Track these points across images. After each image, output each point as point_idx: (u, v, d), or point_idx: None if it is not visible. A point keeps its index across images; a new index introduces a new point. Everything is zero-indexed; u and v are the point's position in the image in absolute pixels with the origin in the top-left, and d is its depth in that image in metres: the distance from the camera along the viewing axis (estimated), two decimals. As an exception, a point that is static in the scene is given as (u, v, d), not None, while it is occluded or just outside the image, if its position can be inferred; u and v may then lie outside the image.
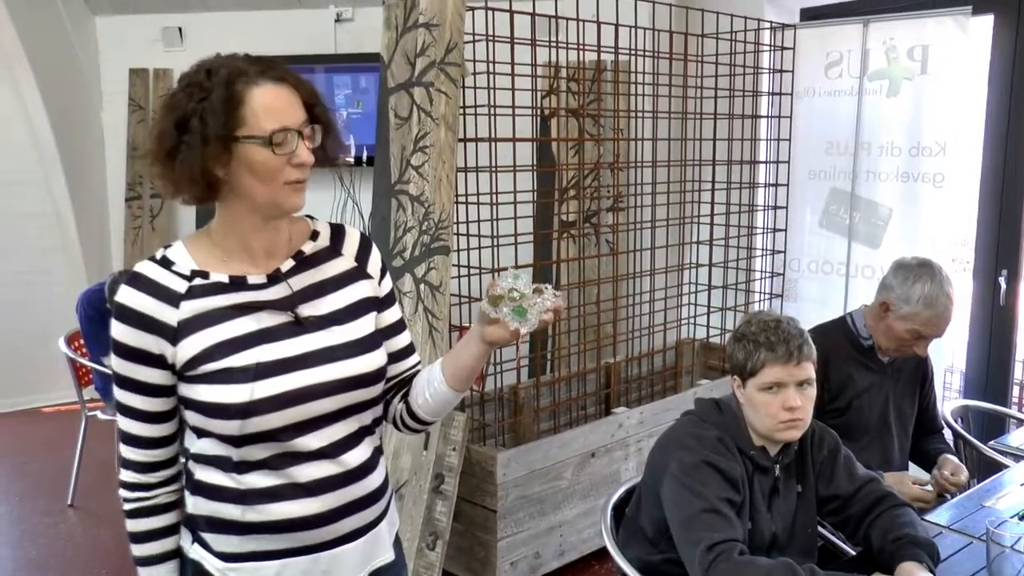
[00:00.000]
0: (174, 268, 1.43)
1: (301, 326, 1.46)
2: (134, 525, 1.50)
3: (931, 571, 1.85)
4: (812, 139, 4.30)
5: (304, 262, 1.51)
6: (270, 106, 1.38)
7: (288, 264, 1.49)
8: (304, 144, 1.41)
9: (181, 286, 1.41)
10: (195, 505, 1.48)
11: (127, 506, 1.50)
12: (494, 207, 3.31)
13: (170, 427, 1.47)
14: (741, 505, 1.96)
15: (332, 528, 1.48)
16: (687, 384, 4.14)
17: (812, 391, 1.99)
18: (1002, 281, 4.02)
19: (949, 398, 4.96)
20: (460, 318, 3.45)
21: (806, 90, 4.30)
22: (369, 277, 1.57)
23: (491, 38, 3.15)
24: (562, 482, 3.28)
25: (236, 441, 1.41)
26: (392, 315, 1.60)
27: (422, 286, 3.07)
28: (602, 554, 3.38)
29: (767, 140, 4.37)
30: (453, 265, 3.32)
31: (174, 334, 1.40)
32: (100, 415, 4.20)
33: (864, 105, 4.13)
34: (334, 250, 1.56)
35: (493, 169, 3.24)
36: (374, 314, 1.55)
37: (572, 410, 3.80)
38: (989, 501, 2.41)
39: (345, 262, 1.56)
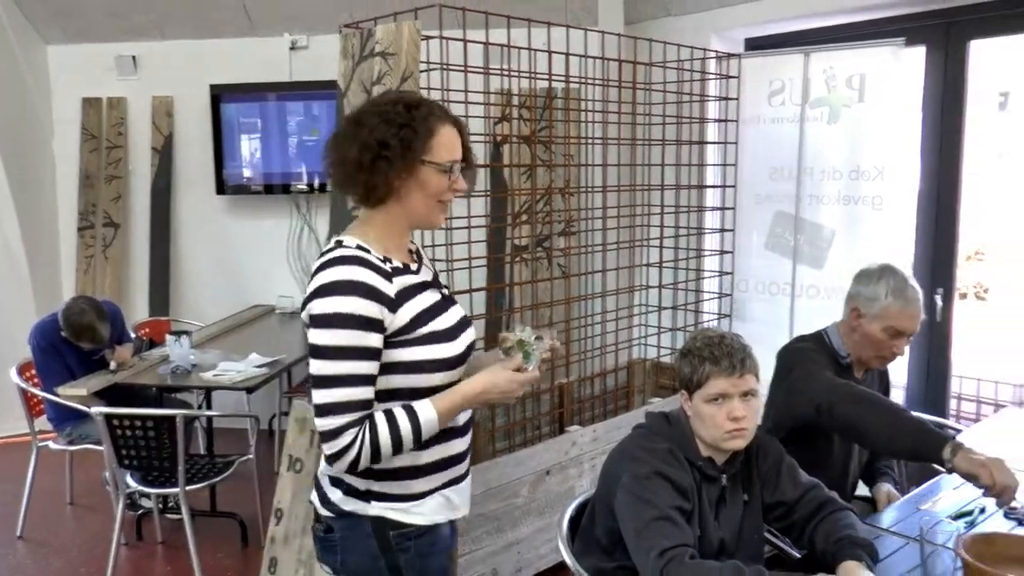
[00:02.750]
0: (373, 252, 1.76)
1: (448, 300, 1.90)
2: (384, 446, 1.70)
3: (870, 569, 1.94)
4: (757, 164, 4.44)
5: (418, 254, 1.92)
6: (450, 143, 1.78)
7: (414, 259, 1.88)
8: (461, 177, 1.81)
9: (387, 266, 1.76)
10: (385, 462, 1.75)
11: (356, 455, 1.68)
12: (448, 232, 3.37)
13: (373, 391, 1.72)
14: (691, 513, 2.03)
15: (466, 462, 1.93)
16: (639, 403, 4.23)
17: (756, 402, 2.08)
18: (938, 299, 4.17)
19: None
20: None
21: (751, 117, 4.44)
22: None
23: (445, 67, 3.23)
24: (518, 500, 3.33)
25: (428, 392, 1.76)
26: None
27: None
28: (558, 569, 3.44)
29: (714, 165, 4.50)
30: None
31: (393, 304, 1.72)
32: (52, 445, 4.18)
33: (806, 131, 4.28)
34: (420, 254, 1.95)
35: None
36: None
37: (527, 430, 3.87)
38: (925, 504, 2.52)
39: (427, 263, 1.96)
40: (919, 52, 4.18)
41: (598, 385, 4.17)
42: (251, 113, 5.64)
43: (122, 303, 5.27)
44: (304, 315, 1.73)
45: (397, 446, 1.71)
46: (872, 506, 2.85)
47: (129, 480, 3.71)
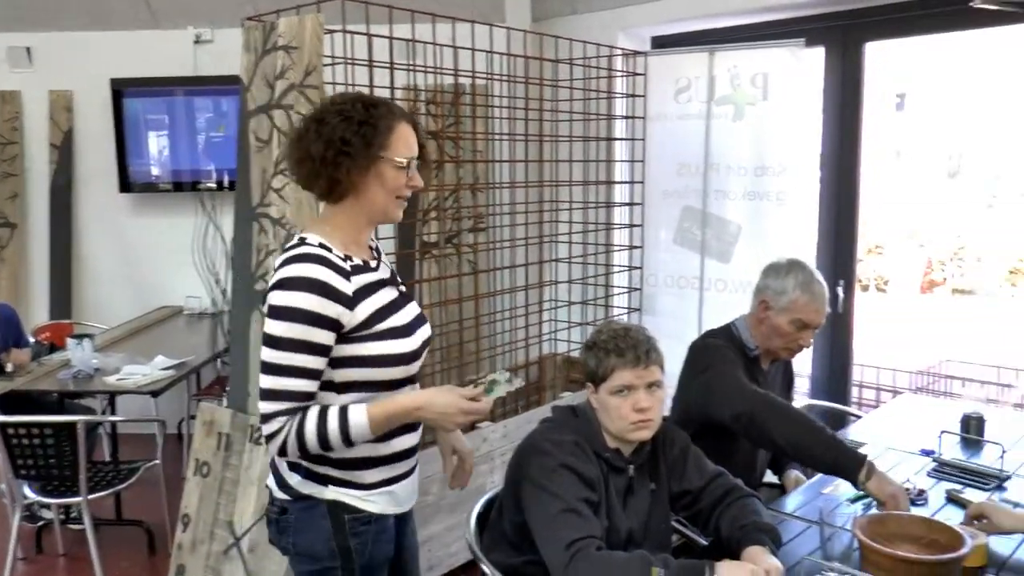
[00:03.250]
0: (334, 251, 1.83)
1: (405, 297, 1.99)
2: (310, 439, 1.78)
3: (774, 553, 1.99)
4: (665, 160, 4.50)
5: (377, 253, 2.00)
6: (406, 140, 1.86)
7: (374, 256, 1.97)
8: (418, 173, 1.89)
9: (346, 264, 1.83)
10: (341, 450, 1.83)
11: (283, 442, 1.77)
12: None
13: (316, 385, 1.81)
14: (598, 504, 2.05)
15: (415, 457, 2.03)
16: (550, 398, 4.26)
17: (661, 393, 2.12)
18: (840, 291, 4.30)
19: (795, 399, 5.25)
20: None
21: (658, 114, 4.50)
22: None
23: (349, 61, 3.20)
24: (428, 497, 3.32)
25: (386, 387, 1.86)
26: None
27: (286, 307, 3.07)
28: (470, 566, 3.44)
29: (622, 161, 4.56)
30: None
31: (350, 302, 1.80)
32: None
33: (712, 128, 4.35)
34: (379, 251, 2.03)
35: None
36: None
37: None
38: (827, 489, 2.60)
39: (385, 261, 2.02)
40: (819, 53, 4.30)
41: (510, 381, 4.17)
42: (155, 108, 5.50)
43: (20, 306, 5.07)
44: (264, 306, 1.82)
45: (323, 442, 1.78)
46: (781, 491, 2.93)
47: (27, 491, 3.57)
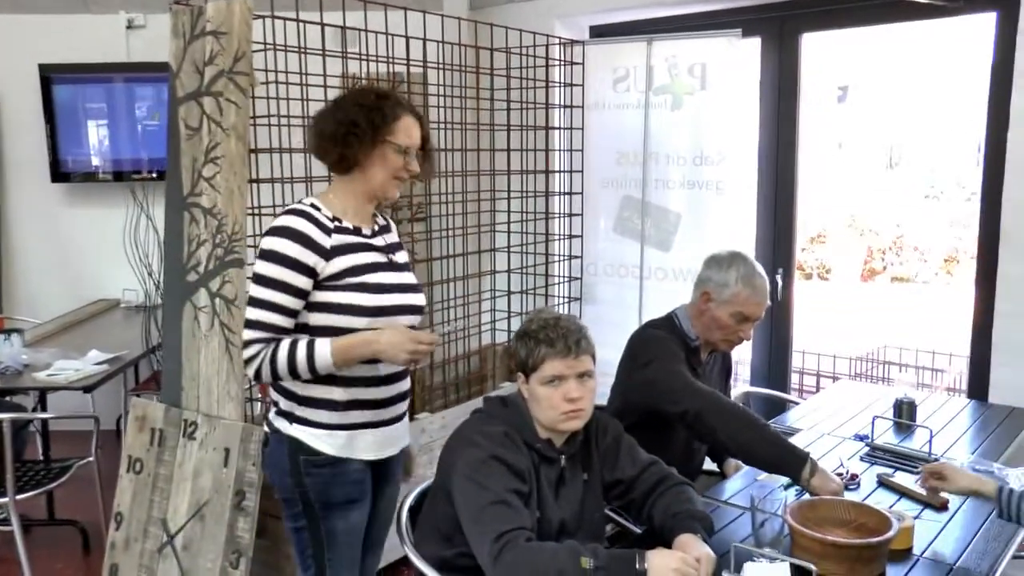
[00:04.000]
0: (322, 212, 2.17)
1: (393, 266, 2.27)
2: (280, 364, 2.11)
3: (706, 540, 1.99)
4: (604, 149, 4.50)
5: (382, 229, 2.33)
6: (408, 130, 2.20)
7: (376, 228, 2.30)
8: (416, 159, 2.22)
9: (329, 224, 2.16)
10: (303, 388, 2.19)
11: (259, 366, 2.12)
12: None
13: (292, 323, 2.14)
14: (529, 496, 2.04)
15: (391, 408, 2.28)
16: (491, 388, 4.23)
17: (592, 383, 2.10)
18: (779, 279, 4.34)
19: (734, 388, 5.31)
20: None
21: (596, 103, 4.50)
22: (404, 248, 2.42)
23: (280, 48, 3.14)
24: (368, 490, 3.28)
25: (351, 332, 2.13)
26: None
27: (217, 300, 3.01)
28: (408, 559, 3.40)
29: (561, 151, 4.54)
30: (248, 278, 3.27)
31: (327, 254, 2.13)
32: None
33: (651, 117, 4.36)
34: (388, 227, 2.38)
35: (285, 180, 3.25)
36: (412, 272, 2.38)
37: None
38: (763, 475, 2.61)
39: (396, 236, 2.39)
40: (756, 43, 4.33)
41: (450, 371, 4.15)
42: (87, 96, 5.34)
43: (-55, 301, 4.92)
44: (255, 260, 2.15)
45: (292, 369, 2.10)
46: (722, 477, 2.95)
47: (-50, 491, 3.46)
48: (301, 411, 2.21)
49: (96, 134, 5.42)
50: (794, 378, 5.46)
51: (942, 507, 2.36)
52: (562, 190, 4.57)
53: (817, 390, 5.66)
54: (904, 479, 2.54)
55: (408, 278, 2.32)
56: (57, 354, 4.06)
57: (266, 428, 2.32)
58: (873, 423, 2.92)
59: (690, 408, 2.49)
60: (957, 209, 11.46)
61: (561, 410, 2.05)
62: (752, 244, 4.43)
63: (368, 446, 2.27)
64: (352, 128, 2.13)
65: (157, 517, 3.07)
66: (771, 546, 2.02)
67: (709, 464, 3.08)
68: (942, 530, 2.24)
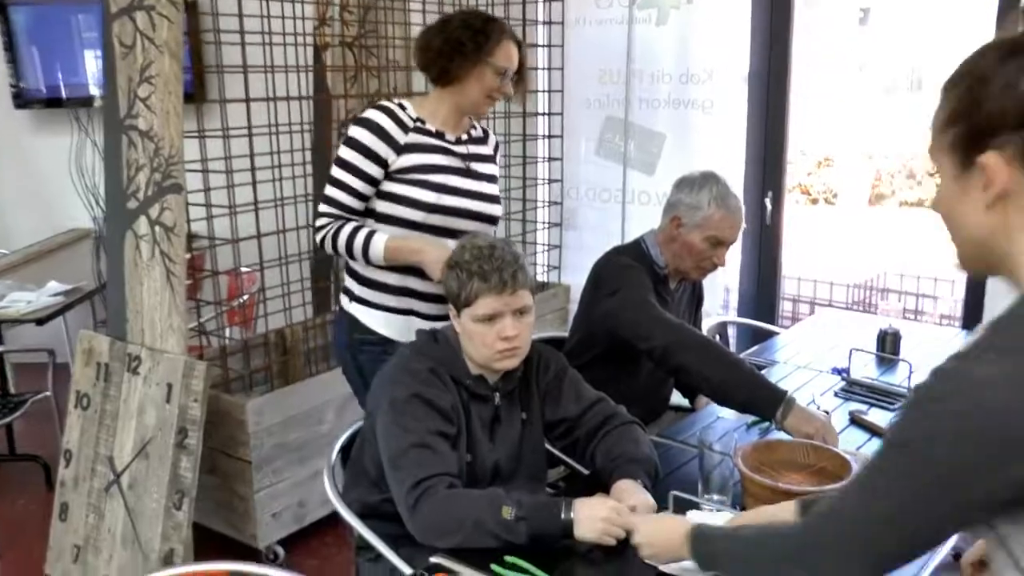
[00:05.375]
0: (407, 111, 2.30)
1: (469, 174, 2.36)
2: (341, 241, 2.27)
3: (647, 487, 1.84)
4: (585, 68, 4.26)
5: (473, 140, 2.43)
6: (508, 55, 2.28)
7: (465, 136, 2.40)
8: (510, 82, 2.31)
9: (410, 122, 2.29)
10: (364, 268, 2.34)
11: (323, 236, 2.28)
12: (275, 137, 3.23)
13: (361, 206, 2.29)
14: (458, 437, 1.89)
15: (438, 306, 2.30)
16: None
17: (530, 318, 1.93)
18: (768, 202, 4.13)
19: (705, 320, 5.15)
20: (213, 263, 3.24)
21: (577, 19, 4.24)
22: (498, 165, 2.52)
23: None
24: (323, 427, 3.15)
25: (412, 226, 2.28)
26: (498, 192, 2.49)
27: (157, 228, 2.85)
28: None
29: (541, 69, 4.30)
30: (200, 205, 3.12)
31: (400, 149, 2.27)
32: None
33: (635, 33, 4.11)
34: (484, 140, 2.48)
35: (253, 99, 3.07)
36: (496, 187, 2.48)
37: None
38: (725, 411, 2.45)
39: (488, 150, 2.48)
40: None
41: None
42: (46, 21, 5.10)
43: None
44: None
45: (349, 249, 2.25)
46: (693, 412, 2.79)
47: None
48: (360, 290, 2.37)
49: (58, 59, 5.18)
50: (788, 306, 5.29)
51: (915, 447, 2.20)
52: (541, 110, 4.33)
53: (812, 318, 5.48)
54: (878, 416, 2.37)
55: (483, 187, 2.40)
56: (13, 286, 3.94)
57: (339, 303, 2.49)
58: (851, 356, 2.74)
59: (658, 343, 2.31)
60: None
61: (496, 348, 1.88)
62: (741, 166, 4.20)
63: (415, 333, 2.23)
64: (458, 46, 2.23)
65: (104, 455, 2.96)
66: (719, 492, 1.86)
67: (680, 398, 2.91)
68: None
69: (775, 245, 4.21)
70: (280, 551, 3.12)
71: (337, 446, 2.19)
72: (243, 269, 3.40)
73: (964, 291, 3.66)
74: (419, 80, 3.89)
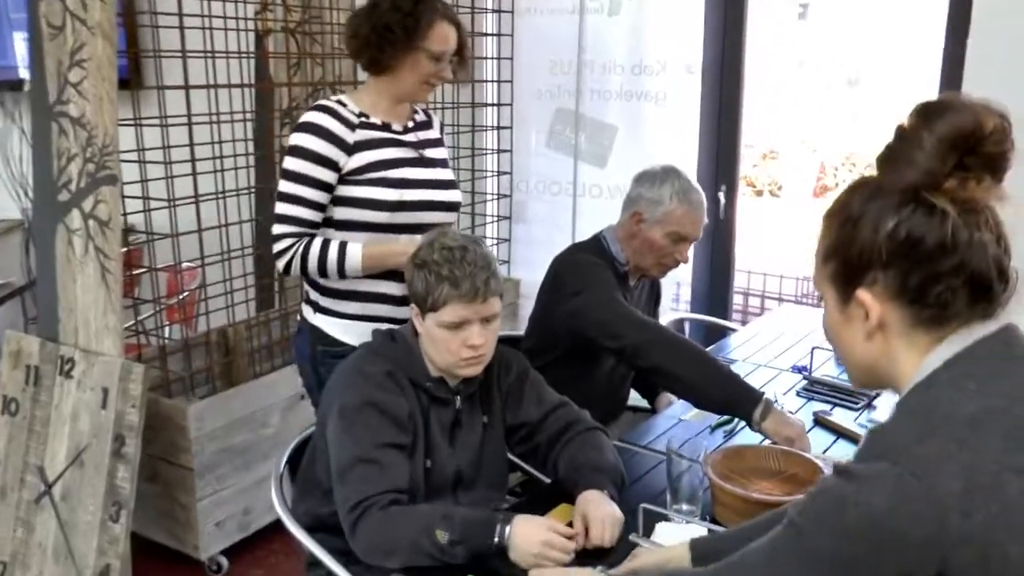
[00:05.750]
0: (348, 107, 2.16)
1: (423, 162, 2.25)
2: (311, 261, 2.12)
3: (613, 497, 1.76)
4: (536, 58, 4.15)
5: (419, 125, 2.31)
6: (444, 36, 2.15)
7: (411, 124, 2.28)
8: (449, 66, 2.19)
9: (354, 119, 2.16)
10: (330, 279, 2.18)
11: (289, 260, 2.12)
12: (216, 126, 3.08)
13: (320, 216, 2.15)
14: (414, 444, 1.79)
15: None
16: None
17: (497, 324, 1.84)
18: (721, 196, 4.08)
19: (663, 317, 5.11)
20: (150, 259, 3.09)
21: (527, 7, 4.13)
22: (444, 146, 2.41)
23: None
24: (268, 430, 3.03)
25: (377, 229, 2.16)
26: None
27: (91, 222, 2.69)
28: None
29: (489, 58, 4.20)
30: (137, 198, 2.97)
31: (350, 149, 2.13)
32: None
33: (586, 23, 4.02)
34: (429, 123, 2.36)
35: (196, 86, 2.93)
36: (450, 168, 2.40)
37: (291, 348, 3.51)
38: (688, 414, 2.39)
39: (435, 133, 2.37)
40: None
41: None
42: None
43: None
44: None
45: (322, 267, 2.12)
46: (652, 413, 2.73)
47: None
48: (325, 301, 2.24)
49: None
50: (738, 299, 5.26)
51: (882, 449, 2.15)
52: (490, 101, 4.23)
53: (761, 312, 5.47)
54: (842, 416, 2.33)
55: (441, 174, 2.31)
56: (-66, 282, 3.72)
57: (299, 318, 2.38)
58: (812, 354, 2.70)
59: (629, 342, 2.22)
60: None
61: (460, 356, 1.79)
62: (694, 159, 4.15)
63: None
64: (387, 32, 2.10)
65: (34, 464, 2.80)
66: (689, 502, 1.79)
67: (638, 399, 2.84)
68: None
69: (729, 239, 4.16)
70: (224, 562, 2.99)
71: (285, 456, 2.07)
72: (185, 264, 3.25)
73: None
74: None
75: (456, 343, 1.78)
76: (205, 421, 2.83)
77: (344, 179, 2.14)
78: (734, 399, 2.11)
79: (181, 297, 3.73)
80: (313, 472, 1.90)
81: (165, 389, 3.04)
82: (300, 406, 3.14)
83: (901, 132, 1.09)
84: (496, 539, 1.58)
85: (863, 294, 1.09)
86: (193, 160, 3.00)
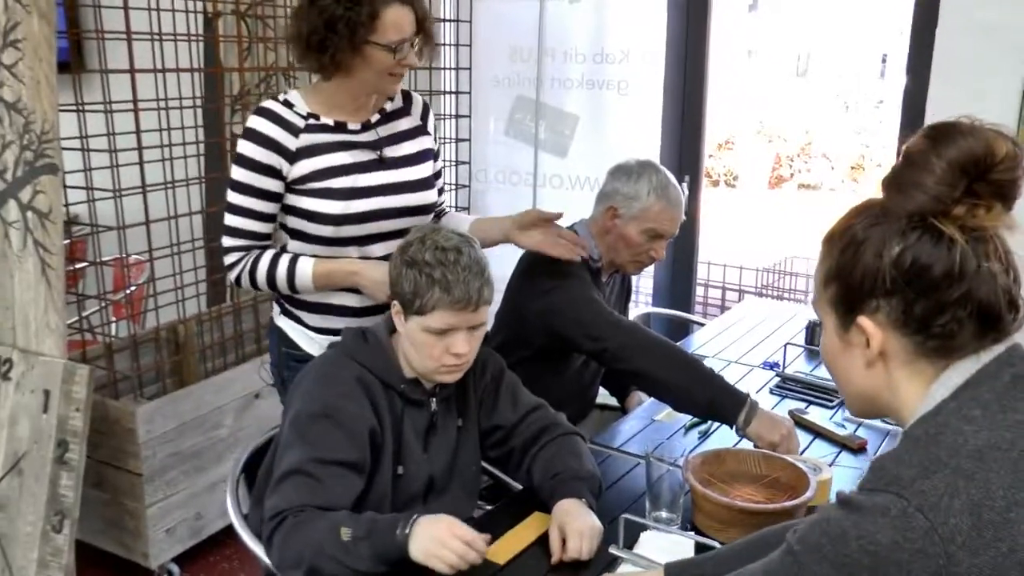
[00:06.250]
0: (295, 109, 1.96)
1: (383, 163, 2.02)
2: (260, 277, 1.99)
3: (591, 506, 1.67)
4: (495, 44, 4.04)
5: (386, 116, 2.07)
6: (397, 22, 1.85)
7: (375, 117, 2.05)
8: (412, 50, 1.91)
9: (300, 122, 1.95)
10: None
11: (239, 274, 2.00)
12: (165, 112, 2.93)
13: (270, 227, 2.00)
14: (381, 452, 1.70)
15: (370, 320, 1.95)
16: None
17: (483, 331, 1.73)
18: (685, 187, 3.99)
19: (638, 302, 5.05)
20: (95, 252, 2.94)
21: (487, -8, 4.04)
22: (428, 133, 2.15)
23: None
24: (221, 431, 2.90)
25: (326, 242, 1.99)
26: (438, 165, 2.19)
27: (30, 214, 2.54)
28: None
29: (447, 45, 4.08)
30: (80, 188, 2.82)
31: (292, 156, 1.94)
32: None
33: (547, 10, 3.92)
34: (405, 110, 2.12)
35: (140, 71, 2.77)
36: (431, 162, 2.14)
37: (244, 344, 3.39)
38: (660, 414, 2.31)
39: (413, 120, 2.12)
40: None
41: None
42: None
43: None
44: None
45: (271, 283, 1.99)
46: (622, 412, 2.65)
47: None
48: (289, 305, 2.11)
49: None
50: (698, 291, 5.21)
51: (860, 449, 2.10)
52: (448, 89, 4.12)
53: (722, 304, 5.43)
54: (817, 415, 2.27)
55: (404, 174, 2.06)
56: None
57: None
58: (785, 350, 2.64)
59: (611, 346, 2.12)
60: (866, 116, 11.38)
61: (442, 362, 1.68)
62: (657, 149, 4.08)
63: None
64: (328, 33, 1.84)
65: (-30, 470, 2.64)
66: (669, 509, 1.71)
67: (606, 396, 2.76)
68: (859, 478, 1.96)
69: (692, 231, 4.09)
70: (175, 569, 2.85)
71: (243, 459, 1.96)
72: (133, 258, 3.09)
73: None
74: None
75: (439, 349, 1.67)
76: (155, 424, 2.70)
77: (289, 187, 1.97)
78: (718, 403, 2.02)
79: (128, 292, 3.57)
80: (272, 476, 1.78)
81: (112, 389, 2.90)
82: (255, 405, 3.02)
83: (908, 155, 1.03)
84: (399, 532, 1.48)
85: (864, 321, 1.06)
86: (140, 148, 2.85)
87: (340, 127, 2.00)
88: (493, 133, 4.13)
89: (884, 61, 12.42)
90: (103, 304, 3.27)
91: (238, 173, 1.95)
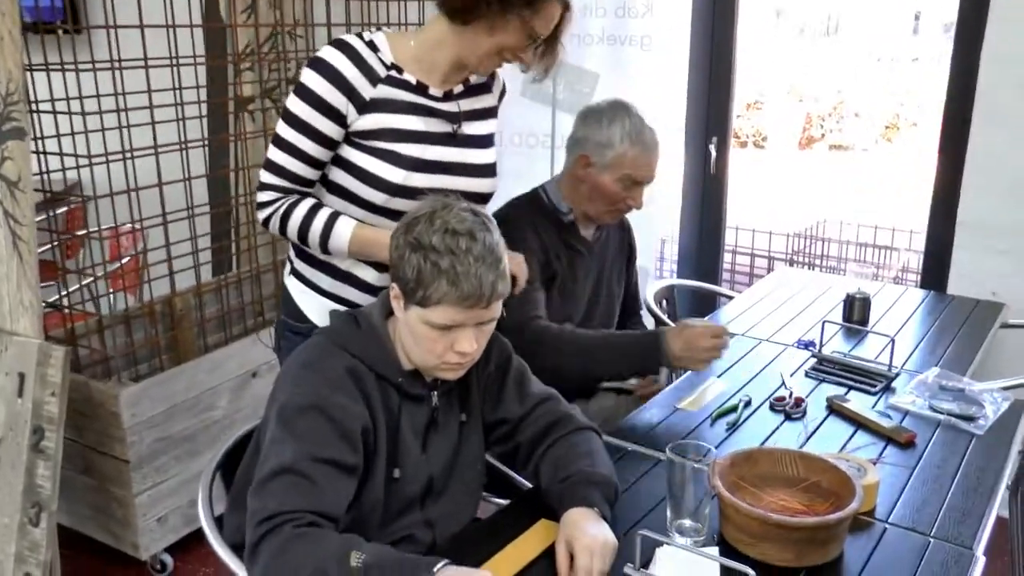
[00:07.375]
0: (379, 54, 1.76)
1: (455, 139, 1.83)
2: (292, 225, 1.78)
3: (605, 517, 1.47)
4: None
5: (470, 89, 1.88)
6: (550, 17, 1.72)
7: (459, 88, 1.85)
8: (535, 51, 1.77)
9: (381, 71, 1.76)
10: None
11: (269, 215, 1.79)
12: (117, 73, 2.66)
13: (316, 174, 1.80)
14: (375, 454, 1.50)
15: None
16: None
17: (492, 326, 1.52)
18: (712, 148, 3.79)
19: (662, 270, 4.84)
20: (91, 221, 2.76)
21: (503, -58, 3.79)
22: (496, 117, 1.98)
23: None
24: (215, 412, 2.72)
25: (371, 208, 1.79)
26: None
27: (-1, 183, 2.35)
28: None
29: None
30: (54, 154, 2.63)
31: (363, 106, 1.74)
32: None
33: (566, -41, 3.69)
34: (487, 86, 1.93)
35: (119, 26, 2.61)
36: (495, 148, 1.95)
37: (245, 317, 3.21)
38: (684, 401, 2.10)
39: (492, 98, 1.96)
40: None
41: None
42: None
43: None
44: None
45: (303, 234, 1.78)
46: (628, 394, 2.44)
47: None
48: (299, 264, 1.93)
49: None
50: (727, 257, 4.98)
51: (908, 443, 1.88)
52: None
53: (751, 272, 5.19)
54: (859, 402, 2.05)
55: (473, 156, 1.86)
56: None
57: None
58: (823, 328, 2.41)
59: (518, 343, 1.84)
60: (900, 74, 11.01)
61: (444, 359, 1.48)
62: (682, 109, 3.85)
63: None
64: None
65: (-52, 454, 2.48)
66: (693, 518, 1.51)
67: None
68: (910, 478, 1.75)
69: (720, 197, 3.87)
70: (168, 560, 2.69)
71: (217, 458, 1.78)
72: (136, 226, 2.89)
73: (925, 245, 3.36)
74: (338, 9, 3.44)
75: (442, 346, 1.47)
76: (141, 407, 2.52)
77: (349, 138, 1.77)
78: (641, 359, 2.08)
79: (123, 262, 3.40)
80: (251, 478, 1.59)
81: (104, 367, 2.73)
82: (251, 385, 2.84)
83: None
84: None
85: None
86: (126, 110, 2.66)
87: (421, 88, 1.80)
88: (510, 93, 3.89)
89: (917, 18, 12.11)
90: (95, 277, 3.09)
91: (295, 105, 1.74)
